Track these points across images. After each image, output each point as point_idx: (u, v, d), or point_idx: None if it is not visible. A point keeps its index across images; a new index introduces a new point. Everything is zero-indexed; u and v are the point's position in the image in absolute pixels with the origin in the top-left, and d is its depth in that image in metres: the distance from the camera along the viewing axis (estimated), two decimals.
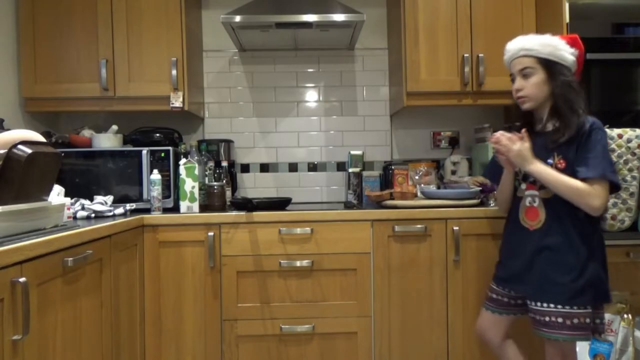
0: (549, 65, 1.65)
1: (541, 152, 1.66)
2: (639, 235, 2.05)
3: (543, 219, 1.67)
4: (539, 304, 1.65)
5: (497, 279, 1.85)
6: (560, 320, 1.60)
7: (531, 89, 1.67)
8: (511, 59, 1.74)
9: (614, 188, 1.64)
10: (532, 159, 1.64)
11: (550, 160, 1.65)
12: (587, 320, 1.60)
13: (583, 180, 1.58)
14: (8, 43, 2.37)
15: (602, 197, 1.58)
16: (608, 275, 1.68)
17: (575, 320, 1.59)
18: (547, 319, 1.62)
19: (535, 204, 1.69)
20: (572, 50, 1.67)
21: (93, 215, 2.05)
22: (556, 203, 1.64)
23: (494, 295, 1.84)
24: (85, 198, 2.14)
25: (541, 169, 1.63)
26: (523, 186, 1.74)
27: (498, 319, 1.83)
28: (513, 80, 1.74)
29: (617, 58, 2.14)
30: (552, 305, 1.62)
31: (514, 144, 1.66)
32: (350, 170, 2.68)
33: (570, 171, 1.61)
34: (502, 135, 1.69)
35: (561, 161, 1.63)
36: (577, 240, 1.62)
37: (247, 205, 2.16)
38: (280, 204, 2.32)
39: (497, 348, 1.86)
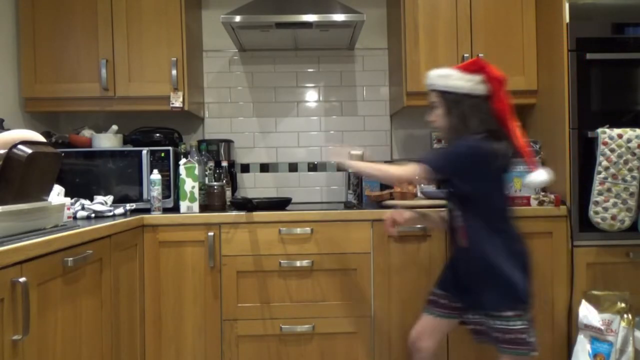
0: (446, 97, 1.73)
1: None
2: (639, 235, 2.06)
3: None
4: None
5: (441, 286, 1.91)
6: (490, 332, 1.67)
7: (438, 119, 1.78)
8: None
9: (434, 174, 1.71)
10: (350, 163, 1.86)
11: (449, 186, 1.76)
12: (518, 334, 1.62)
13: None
14: (8, 43, 2.37)
15: (405, 170, 1.69)
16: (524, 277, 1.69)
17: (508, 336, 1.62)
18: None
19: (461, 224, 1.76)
20: (470, 76, 1.71)
21: (93, 215, 2.05)
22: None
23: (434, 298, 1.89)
24: (85, 198, 2.14)
25: (357, 165, 1.85)
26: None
27: (431, 322, 1.85)
28: None
29: (617, 58, 2.14)
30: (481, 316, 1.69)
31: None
32: (351, 170, 2.67)
33: (452, 186, 1.72)
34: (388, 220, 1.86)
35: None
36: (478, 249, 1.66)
37: (247, 205, 2.16)
38: (281, 203, 2.32)
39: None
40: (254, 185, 2.86)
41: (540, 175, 1.72)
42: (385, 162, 2.83)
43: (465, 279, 1.74)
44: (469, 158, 1.65)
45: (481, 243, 1.66)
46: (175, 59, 2.39)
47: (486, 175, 1.67)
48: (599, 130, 2.03)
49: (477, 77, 1.72)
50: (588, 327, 2.03)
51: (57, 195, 1.83)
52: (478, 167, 1.65)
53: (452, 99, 1.72)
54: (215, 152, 2.63)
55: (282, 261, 2.13)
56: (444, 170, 1.70)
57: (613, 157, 2.00)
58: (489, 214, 1.68)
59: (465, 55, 2.42)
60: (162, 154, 2.35)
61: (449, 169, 1.70)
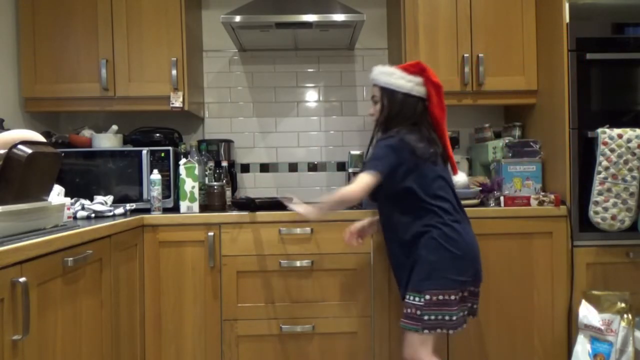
0: (386, 93, 1.84)
1: None
2: (639, 235, 2.06)
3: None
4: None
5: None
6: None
7: (377, 113, 1.89)
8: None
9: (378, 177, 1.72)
10: (311, 209, 1.82)
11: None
12: (418, 312, 1.69)
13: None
14: (8, 43, 2.37)
15: (357, 184, 1.71)
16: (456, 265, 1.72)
17: (408, 310, 1.71)
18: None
19: None
20: (410, 77, 1.81)
21: (93, 215, 2.06)
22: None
23: None
24: (85, 198, 2.15)
25: (320, 207, 1.81)
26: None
27: None
28: None
29: (617, 58, 2.14)
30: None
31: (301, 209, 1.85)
32: (351, 170, 2.67)
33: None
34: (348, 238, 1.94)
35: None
36: (410, 235, 1.75)
37: (250, 205, 2.16)
38: (282, 203, 2.32)
39: None
40: (254, 185, 2.86)
41: (460, 177, 2.03)
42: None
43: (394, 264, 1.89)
44: (395, 152, 1.72)
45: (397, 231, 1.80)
46: (175, 59, 2.39)
47: (407, 168, 1.73)
48: (599, 130, 2.04)
49: (418, 79, 1.81)
50: (588, 327, 2.03)
51: (57, 195, 1.83)
52: (402, 160, 1.72)
53: (391, 96, 1.82)
54: (215, 152, 2.63)
55: (282, 261, 2.13)
56: (384, 170, 1.72)
57: (613, 157, 2.00)
58: (407, 204, 1.76)
59: (465, 55, 2.43)
60: (162, 154, 2.35)
61: (387, 168, 1.73)
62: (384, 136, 1.80)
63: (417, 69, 1.83)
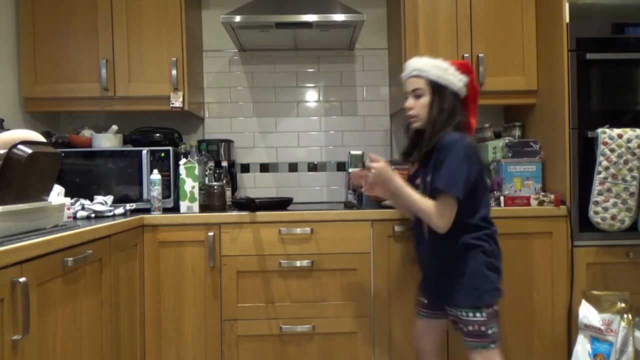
0: (436, 88, 1.71)
1: (423, 170, 1.76)
2: (639, 235, 2.06)
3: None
4: (452, 310, 1.73)
5: (419, 286, 1.93)
6: (461, 326, 1.69)
7: (420, 109, 1.74)
8: (405, 78, 1.79)
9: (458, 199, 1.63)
10: (392, 176, 1.71)
11: (428, 178, 1.70)
12: (482, 328, 1.64)
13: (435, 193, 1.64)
14: (8, 43, 2.37)
15: (443, 215, 1.62)
16: (499, 276, 1.71)
17: (471, 327, 1.65)
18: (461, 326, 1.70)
19: None
20: (461, 76, 1.73)
21: (93, 215, 2.05)
22: None
23: (419, 298, 1.92)
24: (85, 198, 2.14)
25: (399, 185, 1.70)
26: None
27: (426, 323, 1.89)
28: (406, 99, 1.79)
29: (617, 58, 2.14)
30: (458, 311, 1.69)
31: (379, 175, 1.72)
32: (351, 170, 2.67)
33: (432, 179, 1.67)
34: (357, 172, 1.84)
35: (432, 178, 1.68)
36: (465, 248, 1.66)
37: (250, 205, 2.16)
38: (282, 203, 2.32)
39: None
40: (254, 185, 2.86)
41: None
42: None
43: (431, 273, 1.80)
44: (468, 162, 1.62)
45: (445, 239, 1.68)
46: (175, 59, 2.39)
47: (474, 177, 1.65)
48: (599, 130, 2.03)
49: (465, 79, 1.74)
50: (588, 327, 2.03)
51: (57, 195, 1.83)
52: (472, 168, 1.64)
53: (443, 92, 1.71)
54: (215, 152, 2.63)
55: (282, 261, 2.13)
56: (455, 186, 1.60)
57: (613, 157, 2.00)
58: (464, 213, 1.66)
59: (465, 55, 2.42)
60: (162, 154, 2.35)
61: (466, 186, 1.61)
62: (450, 138, 1.64)
63: (466, 69, 1.74)
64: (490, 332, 1.64)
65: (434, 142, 1.67)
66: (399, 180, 1.71)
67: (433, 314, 1.86)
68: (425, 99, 1.73)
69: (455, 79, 1.72)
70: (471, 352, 1.68)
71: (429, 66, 1.72)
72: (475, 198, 1.66)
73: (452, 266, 1.69)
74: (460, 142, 1.62)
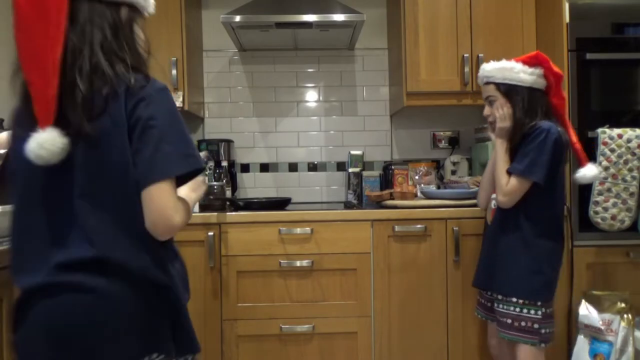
0: (506, 90, 1.72)
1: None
2: (639, 235, 2.06)
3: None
4: (501, 305, 1.71)
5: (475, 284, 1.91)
6: (509, 321, 1.68)
7: (496, 114, 1.75)
8: (481, 85, 1.82)
9: (536, 185, 1.65)
10: (505, 138, 1.72)
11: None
12: (536, 326, 1.64)
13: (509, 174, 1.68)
14: (8, 43, 2.36)
15: (506, 193, 1.66)
16: (557, 276, 1.73)
17: (523, 323, 1.65)
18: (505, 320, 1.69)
19: (494, 207, 1.78)
20: (532, 69, 1.71)
21: None
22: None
23: (479, 297, 1.92)
24: None
25: (503, 147, 1.72)
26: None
27: (491, 325, 1.86)
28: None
29: (617, 58, 2.14)
30: (509, 307, 1.68)
31: (505, 120, 1.72)
32: (350, 170, 2.68)
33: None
34: (502, 107, 1.74)
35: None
36: (532, 243, 1.66)
37: (250, 205, 2.15)
38: (280, 203, 2.32)
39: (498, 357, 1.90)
40: (254, 185, 2.86)
41: (590, 170, 1.75)
42: (386, 162, 2.83)
43: (487, 259, 1.78)
44: (553, 155, 1.63)
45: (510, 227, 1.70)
46: (175, 59, 2.39)
47: (557, 170, 1.66)
48: (599, 130, 2.03)
49: (538, 71, 1.71)
50: (588, 327, 2.03)
51: None
52: (556, 162, 1.65)
53: (513, 92, 1.71)
54: (215, 152, 2.63)
55: (282, 261, 2.13)
56: (533, 173, 1.62)
57: (613, 157, 2.00)
58: (540, 205, 1.67)
59: (465, 55, 2.43)
60: None
61: (547, 174, 1.63)
62: (540, 127, 1.65)
63: (537, 61, 1.72)
64: (542, 331, 1.64)
65: (520, 136, 1.68)
66: (500, 147, 1.73)
67: (490, 315, 1.84)
68: (497, 104, 1.74)
69: (525, 75, 1.70)
70: (517, 346, 1.68)
71: (494, 70, 1.74)
72: (551, 192, 1.67)
73: (511, 258, 1.69)
74: (549, 133, 1.63)
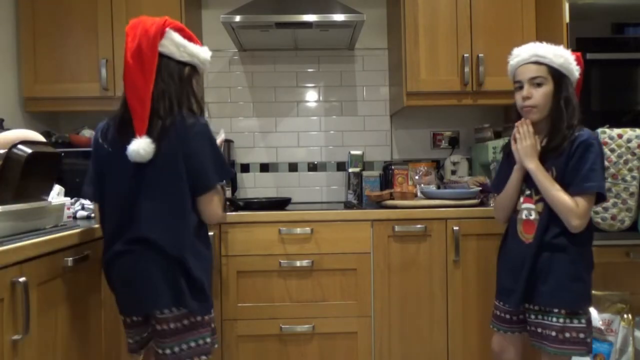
0: (559, 77, 1.60)
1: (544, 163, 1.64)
2: (639, 235, 2.05)
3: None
4: (539, 316, 1.63)
5: (498, 295, 1.78)
6: (553, 334, 1.59)
7: (541, 98, 1.61)
8: (520, 65, 1.66)
9: (600, 197, 1.61)
10: (535, 158, 1.61)
11: (551, 173, 1.62)
12: (582, 335, 1.57)
13: (571, 194, 1.56)
14: (8, 43, 2.37)
15: (582, 215, 1.55)
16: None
17: (568, 334, 1.57)
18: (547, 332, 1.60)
19: (532, 217, 1.65)
20: (578, 67, 1.65)
21: (93, 215, 2.05)
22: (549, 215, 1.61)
23: (497, 312, 1.77)
24: (85, 198, 2.14)
25: (540, 169, 1.60)
26: (521, 199, 1.70)
27: (509, 337, 1.75)
28: (519, 88, 1.66)
29: (617, 58, 2.14)
30: (551, 318, 1.60)
31: (526, 139, 1.63)
32: (350, 170, 2.68)
33: (560, 183, 1.58)
34: (523, 125, 1.65)
35: (555, 175, 1.61)
36: (571, 250, 1.59)
37: (247, 205, 2.15)
38: (280, 203, 2.32)
39: None
40: (254, 185, 2.86)
41: None
42: (386, 162, 2.83)
43: (528, 275, 1.63)
44: (603, 162, 1.60)
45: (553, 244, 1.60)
46: None
47: None
48: (599, 130, 2.03)
49: (580, 70, 1.66)
50: None
51: (57, 195, 1.82)
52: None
53: (563, 82, 1.60)
54: None
55: (282, 261, 2.13)
56: (602, 186, 1.57)
57: (613, 157, 2.00)
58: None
59: (465, 55, 2.43)
60: None
61: (603, 179, 1.58)
62: (590, 136, 1.57)
63: (580, 63, 1.65)
64: (588, 340, 1.57)
65: (565, 137, 1.58)
66: (539, 165, 1.60)
67: (513, 327, 1.74)
68: (547, 89, 1.60)
69: (576, 72, 1.63)
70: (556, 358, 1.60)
71: (552, 53, 1.60)
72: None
73: (555, 268, 1.59)
74: (598, 142, 1.58)
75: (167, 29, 1.52)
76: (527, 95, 1.62)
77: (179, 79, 1.47)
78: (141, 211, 1.40)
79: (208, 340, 1.48)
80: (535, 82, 1.61)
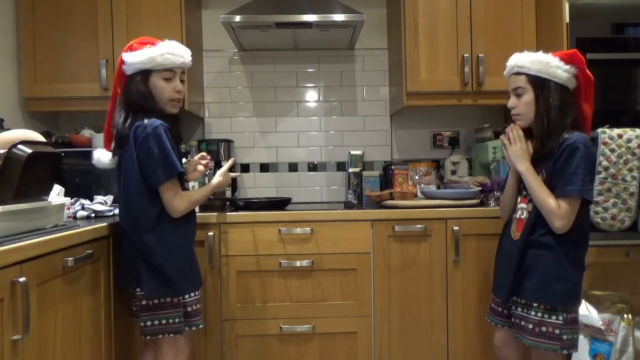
0: (538, 84, 1.64)
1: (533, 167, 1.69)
2: (639, 236, 2.05)
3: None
4: (524, 310, 1.66)
5: (493, 288, 1.84)
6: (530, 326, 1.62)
7: (523, 107, 1.68)
8: (508, 75, 1.75)
9: (586, 201, 1.61)
10: (526, 160, 1.67)
11: (541, 176, 1.66)
12: (557, 332, 1.59)
13: (556, 197, 1.58)
14: (8, 43, 2.37)
15: (564, 217, 1.57)
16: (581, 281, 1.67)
17: (544, 329, 1.60)
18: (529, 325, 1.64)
19: (523, 216, 1.70)
20: (568, 67, 1.65)
21: (93, 215, 2.05)
22: (536, 215, 1.64)
23: (493, 305, 1.83)
24: (85, 198, 2.14)
25: (530, 172, 1.65)
26: (519, 199, 1.75)
27: (511, 333, 1.76)
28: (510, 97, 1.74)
29: (617, 58, 2.14)
30: (529, 311, 1.63)
31: (515, 143, 1.70)
32: (350, 170, 2.68)
33: (548, 186, 1.62)
34: (512, 130, 1.72)
35: (544, 177, 1.64)
36: (557, 250, 1.61)
37: (247, 205, 2.15)
38: (279, 203, 2.32)
39: None
40: (254, 185, 2.86)
41: None
42: (386, 162, 2.83)
43: (516, 270, 1.68)
44: (593, 168, 1.61)
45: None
46: None
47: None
48: (599, 130, 2.03)
49: (573, 70, 1.65)
50: (588, 327, 2.03)
51: (57, 195, 1.82)
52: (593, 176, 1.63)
53: (546, 87, 1.63)
54: (215, 152, 2.63)
55: (282, 261, 2.13)
56: (588, 191, 1.57)
57: (613, 157, 2.00)
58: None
59: (465, 55, 2.43)
60: None
61: (589, 184, 1.58)
62: (578, 139, 1.58)
63: (572, 59, 1.65)
64: (564, 337, 1.58)
65: (556, 141, 1.60)
66: (529, 168, 1.65)
67: (505, 321, 1.78)
68: (528, 97, 1.66)
69: (560, 71, 1.63)
70: (540, 353, 1.63)
71: (528, 61, 1.65)
72: (583, 204, 1.62)
73: (540, 265, 1.62)
74: (588, 145, 1.58)
75: (123, 54, 1.71)
76: (511, 106, 1.72)
77: (131, 91, 1.70)
78: (120, 202, 1.72)
79: (177, 320, 1.66)
80: (517, 93, 1.69)
